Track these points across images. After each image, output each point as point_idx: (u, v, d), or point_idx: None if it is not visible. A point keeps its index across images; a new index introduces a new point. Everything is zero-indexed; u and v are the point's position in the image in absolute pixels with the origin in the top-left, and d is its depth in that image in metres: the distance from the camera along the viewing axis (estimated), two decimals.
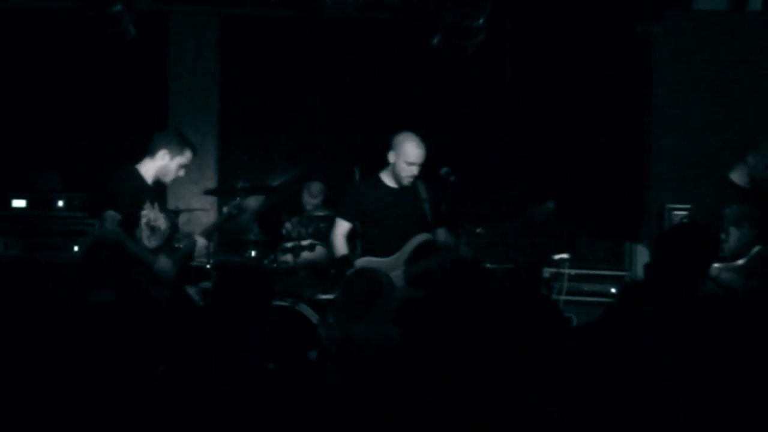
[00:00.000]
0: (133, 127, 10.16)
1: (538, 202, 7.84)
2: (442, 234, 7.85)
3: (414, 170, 7.70)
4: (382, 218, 7.86)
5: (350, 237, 8.04)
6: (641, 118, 10.67)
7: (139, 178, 7.58)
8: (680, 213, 9.50)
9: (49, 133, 10.39)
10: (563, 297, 9.38)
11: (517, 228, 8.04)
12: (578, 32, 10.57)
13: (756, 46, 10.22)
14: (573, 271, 9.53)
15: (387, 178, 7.88)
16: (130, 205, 7.39)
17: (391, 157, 7.77)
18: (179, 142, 7.67)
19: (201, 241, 8.05)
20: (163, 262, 7.51)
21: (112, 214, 7.26)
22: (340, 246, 7.92)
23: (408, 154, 7.66)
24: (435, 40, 8.76)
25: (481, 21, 8.35)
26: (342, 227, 7.94)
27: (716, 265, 7.88)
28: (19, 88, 10.40)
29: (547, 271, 9.53)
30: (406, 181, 7.75)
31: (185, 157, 7.71)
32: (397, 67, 10.68)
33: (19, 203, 9.60)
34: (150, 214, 7.58)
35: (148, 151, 7.63)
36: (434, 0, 8.90)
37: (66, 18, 9.64)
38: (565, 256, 9.53)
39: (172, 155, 7.62)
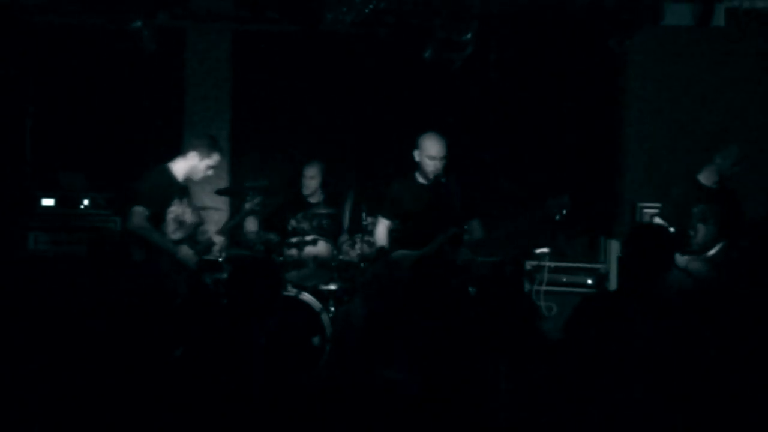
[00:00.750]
0: (152, 132, 10.37)
1: (553, 196, 7.93)
2: (474, 225, 7.99)
3: (437, 164, 7.77)
4: (416, 213, 7.96)
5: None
6: (615, 125, 10.81)
7: (171, 175, 7.83)
8: (650, 211, 9.62)
9: (76, 138, 10.55)
10: (544, 287, 9.48)
11: (536, 220, 8.09)
12: (557, 46, 10.66)
13: (719, 59, 10.36)
14: (553, 264, 9.65)
15: (419, 176, 7.98)
16: (158, 202, 7.65)
17: (416, 155, 7.88)
18: (209, 145, 7.92)
19: (218, 238, 8.18)
20: (185, 252, 7.73)
21: (140, 210, 7.51)
22: (382, 239, 8.07)
23: (428, 149, 7.77)
24: (427, 53, 8.85)
25: (468, 36, 8.44)
26: (383, 225, 8.10)
27: (686, 257, 8.08)
28: (49, 97, 10.57)
29: (530, 264, 9.62)
30: (431, 176, 7.81)
31: (213, 159, 7.93)
32: (392, 78, 10.78)
33: (48, 202, 9.71)
34: (178, 209, 7.80)
35: (181, 152, 7.82)
36: (426, 17, 8.98)
37: (93, 33, 9.77)
38: (545, 250, 9.63)
39: (201, 157, 7.85)
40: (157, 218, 7.62)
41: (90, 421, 5.04)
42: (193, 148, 7.90)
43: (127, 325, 5.52)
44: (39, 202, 9.71)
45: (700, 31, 10.20)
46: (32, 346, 5.61)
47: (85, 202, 9.74)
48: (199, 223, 8.16)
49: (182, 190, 7.90)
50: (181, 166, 7.87)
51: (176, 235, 7.76)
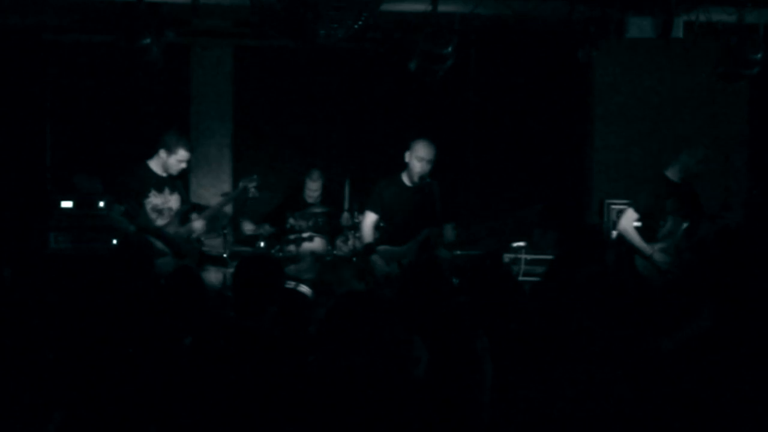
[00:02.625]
0: (160, 139, 10.40)
1: (528, 205, 7.99)
2: (447, 229, 8.01)
3: (425, 166, 7.86)
4: (399, 212, 8.06)
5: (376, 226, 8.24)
6: (584, 129, 10.94)
7: (147, 171, 7.99)
8: (616, 207, 9.72)
9: (93, 145, 10.66)
10: (520, 278, 9.53)
11: (511, 224, 8.17)
12: (530, 57, 10.80)
13: (678, 68, 10.50)
14: (528, 257, 9.70)
15: (405, 178, 8.06)
16: (128, 197, 7.79)
17: (407, 156, 7.96)
18: (173, 142, 7.97)
19: (199, 223, 8.24)
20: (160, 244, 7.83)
21: (115, 207, 7.78)
22: (368, 234, 8.07)
23: (419, 151, 7.86)
24: (412, 65, 8.90)
25: (449, 49, 8.47)
26: (370, 218, 8.11)
27: (654, 247, 8.18)
28: (67, 108, 10.69)
29: (507, 257, 9.67)
30: (416, 177, 7.88)
31: (179, 155, 7.98)
32: (380, 87, 10.90)
33: (66, 204, 9.74)
34: (156, 199, 7.85)
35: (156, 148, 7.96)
36: (410, 32, 9.03)
37: (106, 50, 9.84)
38: (521, 244, 9.70)
39: (168, 153, 7.89)
40: (134, 211, 7.73)
41: (106, 413, 5.07)
42: (161, 146, 7.97)
43: (132, 318, 5.57)
44: (58, 204, 9.76)
45: (660, 42, 10.30)
46: (51, 339, 5.65)
47: (101, 204, 9.78)
48: (187, 206, 8.23)
49: (163, 181, 7.99)
50: (156, 162, 7.98)
51: (158, 222, 7.86)
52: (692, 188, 8.58)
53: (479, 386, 4.66)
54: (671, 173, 8.44)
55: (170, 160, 7.96)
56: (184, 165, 8.11)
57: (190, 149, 8.17)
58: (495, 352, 5.01)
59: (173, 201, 8.06)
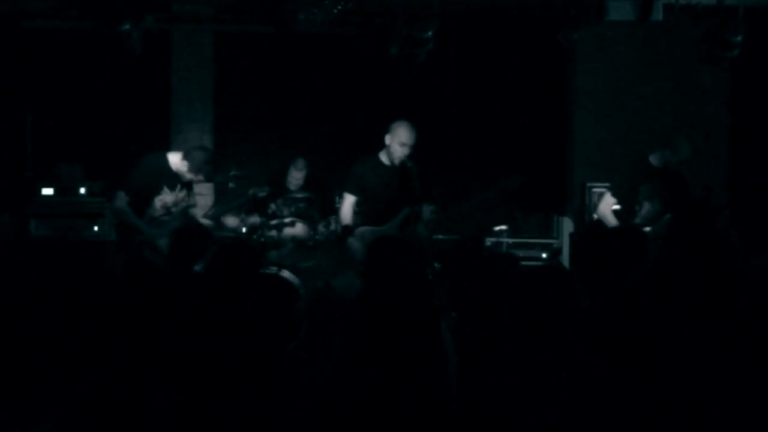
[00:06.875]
0: (142, 126, 10.41)
1: (505, 176, 7.96)
2: (425, 209, 7.99)
3: (406, 150, 7.83)
4: (379, 192, 8.03)
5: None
6: (565, 113, 10.95)
7: (164, 165, 7.87)
8: (598, 190, 9.74)
9: (73, 132, 10.59)
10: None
11: (491, 198, 8.15)
12: (511, 41, 10.81)
13: (658, 50, 10.54)
14: (510, 240, 9.71)
15: (384, 158, 8.03)
16: (141, 190, 7.67)
17: (387, 139, 7.92)
18: (197, 166, 7.86)
19: (204, 222, 8.21)
20: (163, 242, 7.71)
21: (122, 195, 7.58)
22: (347, 217, 8.07)
23: (401, 136, 7.83)
24: (392, 50, 8.90)
25: (429, 33, 8.48)
26: (348, 200, 8.09)
27: None
28: (47, 95, 10.64)
29: (489, 240, 9.69)
30: (397, 161, 7.87)
31: (197, 177, 7.92)
32: (362, 73, 10.89)
33: (47, 191, 9.70)
34: (168, 197, 7.78)
35: (183, 150, 7.88)
36: (390, 16, 9.04)
37: (86, 37, 9.77)
38: (503, 227, 9.71)
39: (189, 169, 7.81)
40: (142, 203, 7.69)
41: (90, 397, 5.07)
42: (188, 157, 7.89)
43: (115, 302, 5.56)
44: (39, 191, 9.74)
45: (640, 25, 10.34)
46: (34, 320, 5.63)
47: (82, 190, 9.75)
48: (188, 207, 8.18)
49: (177, 178, 7.91)
50: (176, 161, 7.88)
51: (163, 219, 7.82)
52: (678, 174, 8.55)
53: (443, 363, 4.63)
54: (654, 158, 8.43)
55: (188, 174, 7.90)
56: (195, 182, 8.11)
57: (212, 179, 8.17)
58: (477, 336, 5.02)
59: (181, 199, 8.03)
